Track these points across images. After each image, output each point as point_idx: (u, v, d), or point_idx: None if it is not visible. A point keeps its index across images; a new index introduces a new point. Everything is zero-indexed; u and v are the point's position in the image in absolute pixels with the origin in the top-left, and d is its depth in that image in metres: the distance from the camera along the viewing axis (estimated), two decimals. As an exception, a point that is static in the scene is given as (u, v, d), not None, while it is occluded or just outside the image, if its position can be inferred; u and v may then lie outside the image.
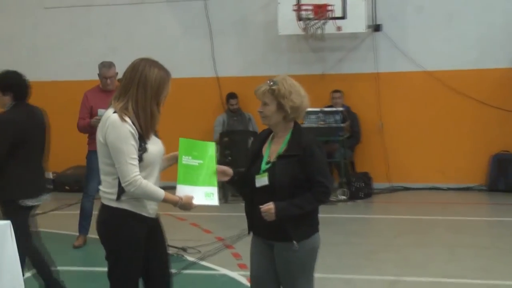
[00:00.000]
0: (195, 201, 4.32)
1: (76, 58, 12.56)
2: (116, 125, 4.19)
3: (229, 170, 4.50)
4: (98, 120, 8.01)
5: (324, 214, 8.92)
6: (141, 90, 4.24)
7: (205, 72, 12.38)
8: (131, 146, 4.17)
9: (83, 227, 8.41)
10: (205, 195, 4.36)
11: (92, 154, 8.32)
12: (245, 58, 12.35)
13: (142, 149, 4.22)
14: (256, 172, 4.41)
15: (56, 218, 9.98)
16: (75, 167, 12.12)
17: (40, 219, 9.78)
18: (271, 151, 4.46)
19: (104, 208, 4.32)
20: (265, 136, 4.59)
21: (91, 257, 8.08)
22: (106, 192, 4.29)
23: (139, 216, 4.27)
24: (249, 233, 4.58)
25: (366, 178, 11.32)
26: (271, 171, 4.35)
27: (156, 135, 4.42)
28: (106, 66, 8.45)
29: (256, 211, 4.34)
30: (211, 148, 4.46)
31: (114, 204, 4.25)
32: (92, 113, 8.25)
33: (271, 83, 4.38)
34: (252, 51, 12.33)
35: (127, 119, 4.20)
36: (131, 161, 4.15)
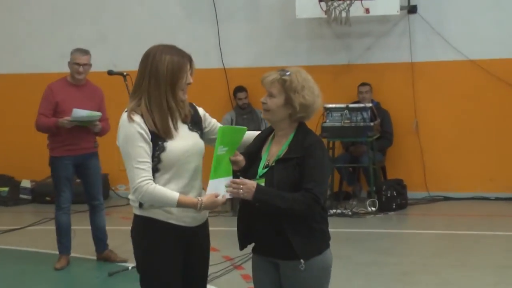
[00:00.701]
0: (220, 197, 4.37)
1: (59, 47, 12.52)
2: (123, 126, 4.36)
3: (242, 161, 4.47)
4: (69, 122, 8.05)
5: (350, 228, 8.79)
6: (153, 83, 4.37)
7: (210, 63, 12.34)
8: (139, 148, 4.30)
9: (63, 245, 8.34)
10: (225, 187, 4.39)
11: (56, 161, 8.26)
12: (257, 46, 12.34)
13: (159, 149, 4.35)
14: (253, 177, 4.39)
15: (35, 234, 10.00)
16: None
17: (16, 235, 9.89)
18: (270, 153, 4.45)
19: (133, 216, 4.53)
20: (266, 135, 4.58)
21: (75, 280, 8.12)
22: (131, 199, 4.48)
23: (163, 223, 4.41)
24: (241, 249, 4.55)
25: (399, 186, 11.28)
26: (268, 177, 4.34)
27: (197, 126, 4.55)
28: (80, 51, 8.43)
29: (254, 222, 4.36)
30: (241, 134, 4.52)
31: (138, 212, 4.47)
32: (58, 110, 8.21)
33: (283, 72, 4.38)
34: (265, 38, 12.31)
35: (137, 118, 4.32)
36: (138, 165, 4.29)
